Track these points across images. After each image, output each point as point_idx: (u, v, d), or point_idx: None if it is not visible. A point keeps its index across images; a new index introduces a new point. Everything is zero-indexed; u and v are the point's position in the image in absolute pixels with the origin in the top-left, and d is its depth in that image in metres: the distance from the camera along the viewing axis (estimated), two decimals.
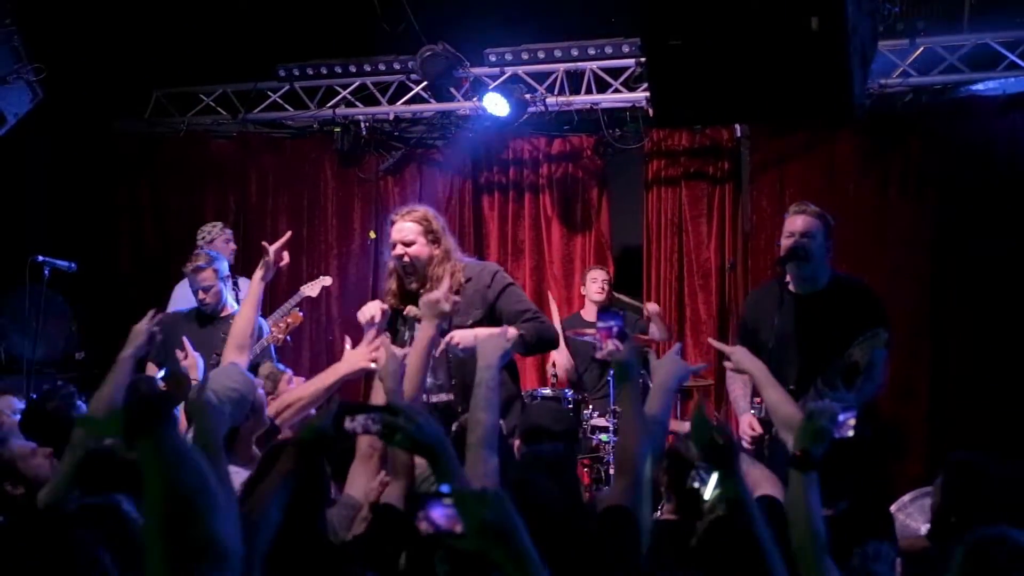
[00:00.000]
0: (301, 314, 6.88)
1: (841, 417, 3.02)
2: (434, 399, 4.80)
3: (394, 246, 4.97)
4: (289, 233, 5.04)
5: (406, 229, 4.95)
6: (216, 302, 6.43)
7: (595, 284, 7.58)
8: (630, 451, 3.17)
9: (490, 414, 3.17)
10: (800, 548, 2.83)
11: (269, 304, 7.50)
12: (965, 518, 3.32)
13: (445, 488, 2.07)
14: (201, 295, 6.40)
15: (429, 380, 4.65)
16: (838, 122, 7.02)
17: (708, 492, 3.11)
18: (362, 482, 3.36)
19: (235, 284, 7.23)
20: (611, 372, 6.95)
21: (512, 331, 3.82)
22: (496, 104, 7.63)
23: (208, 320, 6.50)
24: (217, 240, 7.29)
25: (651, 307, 7.54)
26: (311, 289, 7.39)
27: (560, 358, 7.56)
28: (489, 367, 3.33)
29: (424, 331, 3.82)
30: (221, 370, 4.10)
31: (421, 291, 4.74)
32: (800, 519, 2.86)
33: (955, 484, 3.48)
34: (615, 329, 3.43)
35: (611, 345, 3.43)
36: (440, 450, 2.55)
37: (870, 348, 4.30)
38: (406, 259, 4.90)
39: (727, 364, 4.36)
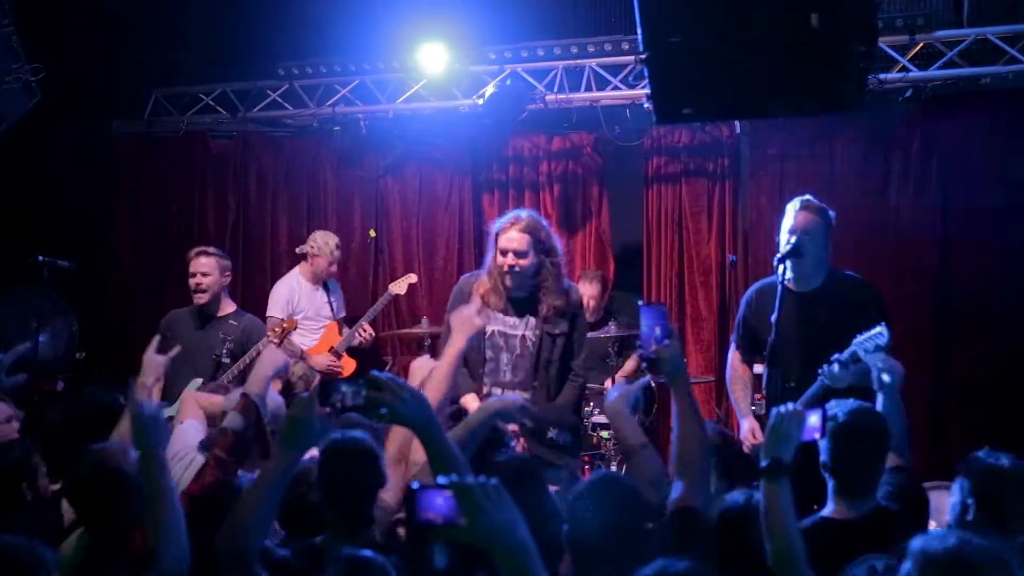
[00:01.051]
0: (296, 319, 7.05)
1: (809, 420, 2.97)
2: (510, 395, 4.86)
3: (504, 253, 5.08)
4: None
5: (519, 240, 5.07)
6: (212, 298, 6.52)
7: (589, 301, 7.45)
8: (690, 451, 3.15)
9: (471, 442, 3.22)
10: (778, 561, 2.77)
11: (352, 305, 7.96)
12: (989, 516, 3.29)
13: (443, 479, 2.07)
14: (196, 280, 6.47)
15: (507, 376, 5.06)
16: (838, 116, 7.00)
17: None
18: (392, 485, 3.34)
19: (326, 288, 7.52)
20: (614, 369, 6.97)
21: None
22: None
23: (207, 319, 6.51)
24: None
25: None
26: (398, 287, 7.62)
27: None
28: (482, 422, 3.38)
29: (455, 344, 3.85)
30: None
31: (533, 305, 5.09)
32: (777, 529, 2.79)
33: (980, 483, 3.41)
34: (659, 326, 3.35)
35: (655, 343, 3.32)
36: (426, 424, 2.51)
37: (873, 345, 4.30)
38: (517, 269, 5.05)
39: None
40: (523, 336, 5.16)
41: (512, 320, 5.17)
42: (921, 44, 6.85)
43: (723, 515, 3.09)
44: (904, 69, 6.91)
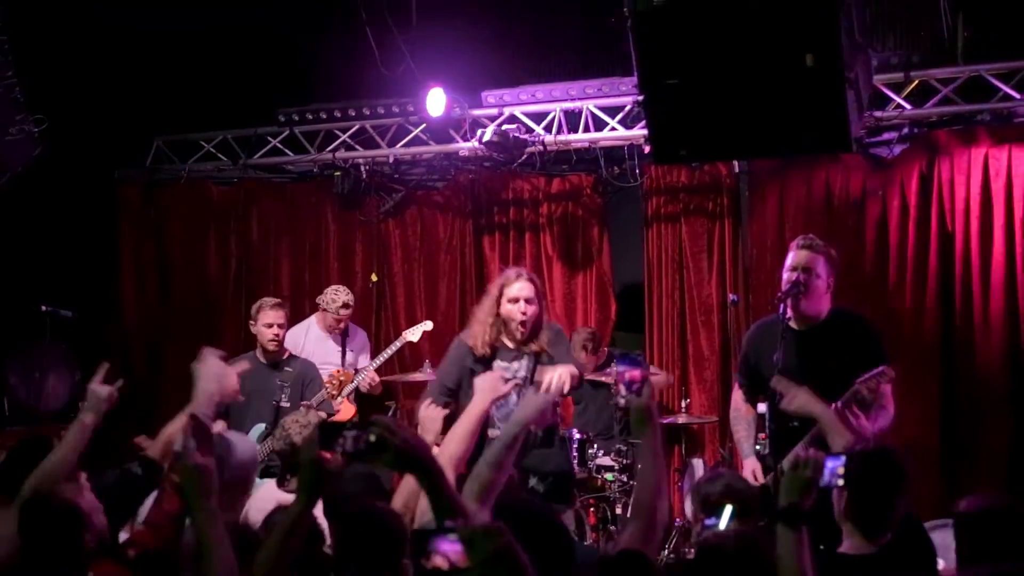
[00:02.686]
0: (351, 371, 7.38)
1: (829, 465, 2.95)
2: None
3: (516, 301, 5.36)
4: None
5: (528, 288, 5.42)
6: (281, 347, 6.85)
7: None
8: (647, 496, 3.16)
9: (496, 472, 3.14)
10: None
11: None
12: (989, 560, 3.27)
13: (450, 523, 2.07)
14: (275, 332, 6.77)
15: None
16: (834, 156, 7.04)
17: (723, 524, 3.10)
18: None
19: (344, 336, 7.63)
20: (619, 413, 6.96)
21: (555, 390, 3.89)
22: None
23: (272, 367, 6.79)
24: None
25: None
26: (413, 334, 7.69)
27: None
28: (518, 423, 3.30)
29: (478, 406, 3.86)
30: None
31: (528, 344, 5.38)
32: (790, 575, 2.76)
33: (969, 535, 3.41)
34: (628, 376, 3.37)
35: (629, 391, 3.36)
36: (428, 466, 2.49)
37: (876, 385, 4.29)
38: (525, 316, 5.35)
39: (785, 406, 4.26)
40: (526, 378, 5.31)
41: (515, 365, 5.37)
42: (916, 81, 6.90)
43: (703, 548, 3.06)
44: (900, 107, 6.95)
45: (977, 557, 3.29)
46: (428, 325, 7.80)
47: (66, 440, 3.76)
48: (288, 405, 6.62)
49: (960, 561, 3.41)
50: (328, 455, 2.68)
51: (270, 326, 6.78)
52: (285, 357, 6.90)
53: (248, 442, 4.54)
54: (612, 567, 2.98)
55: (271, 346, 6.80)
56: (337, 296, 7.51)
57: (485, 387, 3.92)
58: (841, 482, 2.98)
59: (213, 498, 2.95)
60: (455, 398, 5.26)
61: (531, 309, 5.35)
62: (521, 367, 5.39)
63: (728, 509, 3.21)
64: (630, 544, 3.03)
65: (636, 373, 3.27)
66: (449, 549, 2.04)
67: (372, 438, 2.45)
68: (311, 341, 7.58)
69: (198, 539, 2.92)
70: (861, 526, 3.41)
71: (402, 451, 2.43)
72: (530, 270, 8.33)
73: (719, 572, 2.80)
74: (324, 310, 7.55)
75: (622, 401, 3.29)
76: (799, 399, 4.22)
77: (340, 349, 7.61)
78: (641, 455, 3.30)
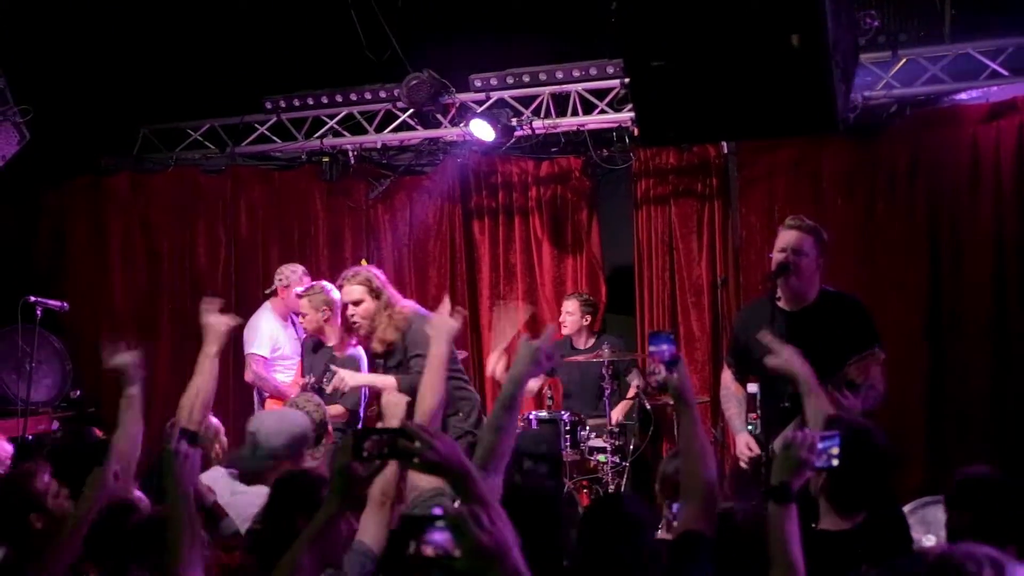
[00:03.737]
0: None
1: (822, 445, 2.96)
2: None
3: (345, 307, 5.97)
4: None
5: (349, 292, 5.99)
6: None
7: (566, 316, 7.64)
8: (698, 476, 3.16)
9: (500, 435, 3.10)
10: None
11: None
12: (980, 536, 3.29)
13: (438, 510, 2.07)
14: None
15: None
16: (821, 136, 7.04)
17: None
18: (374, 531, 3.30)
19: (293, 324, 7.48)
20: (607, 393, 6.97)
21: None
22: (482, 130, 7.66)
23: (319, 345, 6.85)
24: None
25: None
26: None
27: (533, 383, 7.68)
28: (514, 382, 3.21)
29: (438, 349, 3.82)
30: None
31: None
32: (779, 553, 2.80)
33: (964, 504, 3.42)
34: (667, 353, 3.35)
35: (663, 370, 3.31)
36: (458, 469, 2.47)
37: (867, 367, 4.30)
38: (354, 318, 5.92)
39: (769, 361, 4.22)
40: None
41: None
42: (904, 60, 6.90)
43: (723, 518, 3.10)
44: (888, 86, 6.95)
45: (968, 531, 3.30)
46: None
47: (199, 374, 4.12)
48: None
49: (950, 535, 3.43)
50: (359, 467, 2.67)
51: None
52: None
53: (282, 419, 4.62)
54: (676, 551, 2.99)
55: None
56: (295, 267, 7.43)
57: (439, 329, 3.90)
58: (836, 462, 2.99)
59: (186, 483, 3.20)
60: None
61: (359, 310, 5.93)
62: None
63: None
64: (688, 525, 3.04)
65: (672, 350, 3.27)
66: (439, 538, 2.04)
67: (397, 445, 2.43)
68: (279, 331, 7.37)
69: (169, 520, 3.11)
70: (836, 503, 3.43)
71: (427, 459, 2.41)
72: (520, 253, 8.42)
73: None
74: (286, 287, 7.31)
75: (660, 379, 3.27)
76: (783, 356, 4.16)
77: (297, 337, 7.40)
78: (681, 433, 3.28)
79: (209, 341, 4.21)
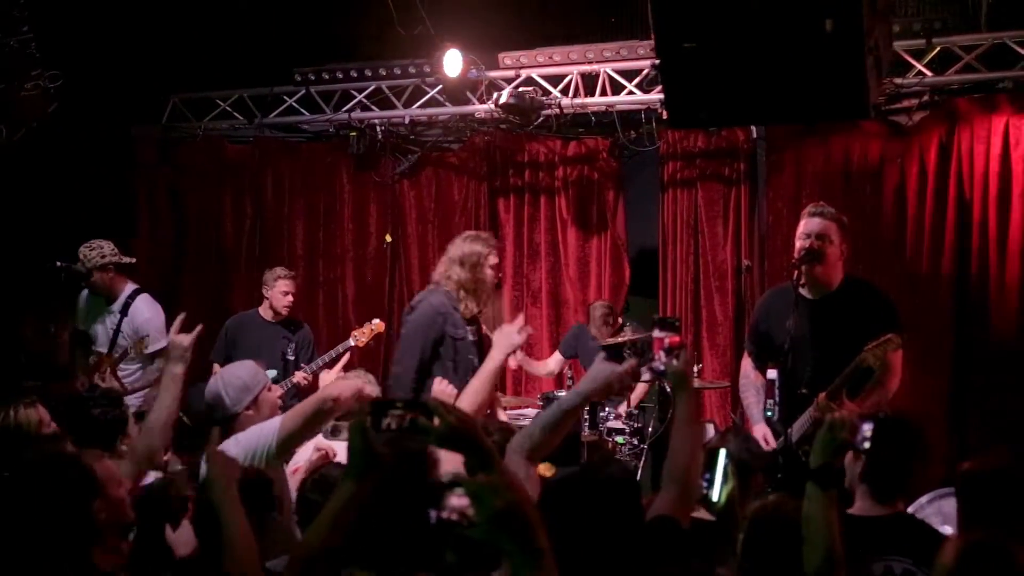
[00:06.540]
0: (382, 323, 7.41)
1: (863, 428, 2.97)
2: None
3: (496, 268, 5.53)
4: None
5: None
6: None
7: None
8: (681, 461, 3.15)
9: (549, 435, 3.12)
10: (816, 571, 2.74)
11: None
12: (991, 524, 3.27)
13: (457, 476, 2.08)
14: (290, 299, 7.44)
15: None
16: (852, 122, 6.97)
17: (716, 494, 3.10)
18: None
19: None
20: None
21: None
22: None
23: (283, 324, 7.39)
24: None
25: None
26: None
27: (554, 364, 7.67)
28: (581, 395, 3.26)
29: (494, 360, 3.84)
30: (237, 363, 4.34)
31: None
32: (819, 539, 2.76)
33: (972, 496, 3.41)
34: (668, 341, 3.34)
35: (663, 356, 3.28)
36: (477, 444, 2.46)
37: (883, 353, 4.28)
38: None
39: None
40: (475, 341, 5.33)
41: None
42: (938, 48, 6.82)
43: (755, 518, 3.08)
44: (921, 74, 6.88)
45: (979, 518, 3.29)
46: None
47: (163, 395, 4.01)
48: (293, 359, 7.19)
49: (962, 523, 3.42)
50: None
51: (286, 294, 7.46)
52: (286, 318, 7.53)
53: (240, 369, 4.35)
54: (649, 534, 2.97)
55: (285, 311, 7.46)
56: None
57: (502, 340, 3.90)
58: (867, 444, 2.98)
59: (232, 486, 3.01)
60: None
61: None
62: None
63: (722, 455, 3.20)
64: (663, 510, 3.03)
65: (676, 339, 3.26)
66: (458, 503, 2.05)
67: (418, 421, 2.42)
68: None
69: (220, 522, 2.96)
70: (874, 489, 3.43)
71: (443, 434, 2.40)
72: (544, 233, 8.40)
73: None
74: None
75: (661, 367, 3.26)
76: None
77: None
78: (676, 421, 3.28)
79: (174, 360, 4.07)
